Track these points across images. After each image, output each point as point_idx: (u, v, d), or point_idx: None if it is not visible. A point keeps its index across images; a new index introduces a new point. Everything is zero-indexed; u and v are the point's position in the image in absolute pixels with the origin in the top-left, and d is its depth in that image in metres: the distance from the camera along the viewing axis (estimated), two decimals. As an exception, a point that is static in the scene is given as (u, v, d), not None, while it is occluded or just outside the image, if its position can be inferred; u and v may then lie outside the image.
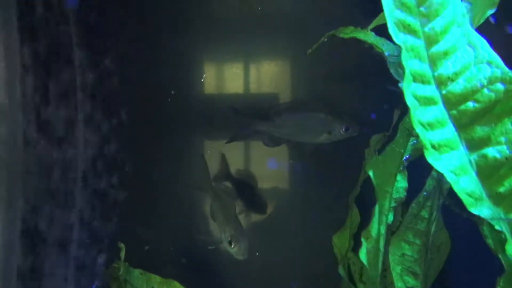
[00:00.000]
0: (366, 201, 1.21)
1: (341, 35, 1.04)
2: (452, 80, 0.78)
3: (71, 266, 1.34)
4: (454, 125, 0.79)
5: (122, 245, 1.17)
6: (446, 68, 0.78)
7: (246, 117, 1.34)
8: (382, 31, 0.98)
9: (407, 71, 0.76)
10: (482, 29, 0.84)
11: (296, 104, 1.34)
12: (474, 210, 0.78)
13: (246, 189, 1.41)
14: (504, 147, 0.78)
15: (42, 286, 1.27)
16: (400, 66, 1.01)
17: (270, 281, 1.40)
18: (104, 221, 1.42)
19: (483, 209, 0.79)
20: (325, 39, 1.08)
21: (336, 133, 1.28)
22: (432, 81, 0.78)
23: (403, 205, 1.13)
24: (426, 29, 0.77)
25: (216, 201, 1.34)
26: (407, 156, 1.08)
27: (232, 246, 1.24)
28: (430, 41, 0.77)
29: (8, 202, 1.18)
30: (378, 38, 1.01)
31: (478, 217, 0.79)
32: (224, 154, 1.40)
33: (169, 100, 1.41)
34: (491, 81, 0.76)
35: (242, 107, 1.35)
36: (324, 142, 1.30)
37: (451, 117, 0.79)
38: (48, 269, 1.27)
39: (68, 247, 1.33)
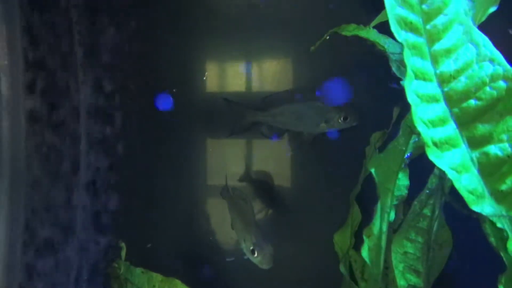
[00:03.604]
0: (367, 199, 1.21)
1: (343, 33, 1.04)
2: (454, 78, 0.78)
3: (73, 262, 1.34)
4: (456, 123, 0.79)
5: (123, 244, 1.17)
6: (448, 66, 0.78)
7: (240, 107, 1.34)
8: (385, 28, 0.98)
9: (409, 68, 0.76)
10: (484, 27, 0.84)
11: (289, 93, 1.34)
12: (475, 207, 0.79)
13: (265, 188, 1.41)
14: (506, 144, 0.78)
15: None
16: (402, 64, 1.01)
17: (272, 280, 1.40)
18: (105, 220, 1.42)
19: (484, 207, 0.79)
20: (328, 37, 1.08)
21: (333, 122, 1.27)
22: (434, 79, 0.78)
23: (405, 203, 1.13)
24: (428, 27, 0.77)
25: (233, 208, 1.27)
26: (408, 154, 1.08)
27: (255, 255, 1.14)
28: (432, 38, 0.77)
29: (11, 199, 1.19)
30: (380, 35, 1.01)
31: (480, 214, 0.79)
32: (244, 155, 1.40)
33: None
34: (493, 79, 0.76)
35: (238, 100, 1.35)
36: (322, 131, 1.29)
37: (453, 114, 0.79)
38: (48, 266, 1.28)
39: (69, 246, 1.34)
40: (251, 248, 1.15)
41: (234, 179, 1.39)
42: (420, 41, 0.77)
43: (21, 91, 1.19)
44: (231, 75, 1.41)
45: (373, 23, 1.06)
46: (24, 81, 1.20)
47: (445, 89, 0.78)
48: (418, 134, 1.04)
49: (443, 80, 0.78)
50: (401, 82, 1.03)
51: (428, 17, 0.77)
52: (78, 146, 1.35)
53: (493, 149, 0.78)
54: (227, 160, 1.38)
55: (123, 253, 1.17)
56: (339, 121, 1.26)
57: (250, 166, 1.41)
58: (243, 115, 1.33)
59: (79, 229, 1.36)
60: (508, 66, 0.76)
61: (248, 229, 1.19)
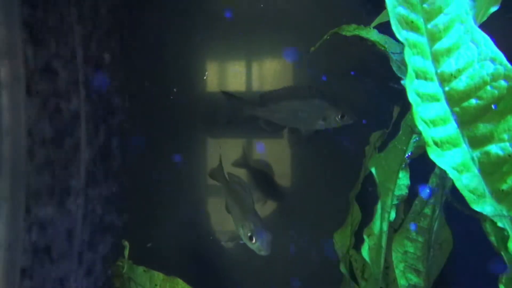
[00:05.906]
0: (367, 198, 1.21)
1: (344, 33, 1.04)
2: (455, 77, 0.78)
3: (75, 263, 1.34)
4: (457, 122, 0.79)
5: (126, 243, 1.17)
6: (449, 65, 0.78)
7: (239, 101, 1.34)
8: (385, 28, 0.98)
9: (410, 68, 0.76)
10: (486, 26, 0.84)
11: (288, 90, 1.34)
12: (476, 207, 0.79)
13: (264, 178, 1.41)
14: (507, 144, 0.78)
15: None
16: (403, 63, 1.01)
17: (272, 278, 1.40)
18: (109, 219, 1.42)
19: (485, 206, 0.79)
20: (328, 37, 1.08)
21: (331, 120, 1.28)
22: (435, 78, 0.78)
23: (405, 203, 1.13)
24: (429, 26, 0.77)
25: (230, 194, 1.25)
26: (409, 153, 1.08)
27: (254, 241, 1.13)
28: (433, 38, 0.77)
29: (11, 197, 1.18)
30: (381, 35, 1.01)
31: (481, 214, 0.79)
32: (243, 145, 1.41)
33: (171, 97, 1.41)
34: (494, 78, 0.76)
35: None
36: (320, 129, 1.30)
37: (454, 114, 0.79)
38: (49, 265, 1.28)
39: (72, 246, 1.34)
40: (249, 234, 1.14)
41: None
42: (421, 40, 0.77)
43: (22, 91, 1.19)
44: (231, 75, 1.41)
45: (374, 23, 1.06)
46: (25, 80, 1.20)
47: (446, 89, 0.79)
48: (419, 134, 1.04)
49: (444, 80, 0.78)
50: (402, 82, 1.03)
51: (429, 16, 0.77)
52: (79, 153, 1.36)
53: (494, 149, 0.78)
54: (226, 154, 1.37)
55: (126, 252, 1.17)
56: (337, 119, 1.27)
57: (247, 153, 1.41)
58: (241, 109, 1.34)
59: (80, 231, 1.36)
60: (509, 65, 0.76)
61: (247, 216, 1.17)
